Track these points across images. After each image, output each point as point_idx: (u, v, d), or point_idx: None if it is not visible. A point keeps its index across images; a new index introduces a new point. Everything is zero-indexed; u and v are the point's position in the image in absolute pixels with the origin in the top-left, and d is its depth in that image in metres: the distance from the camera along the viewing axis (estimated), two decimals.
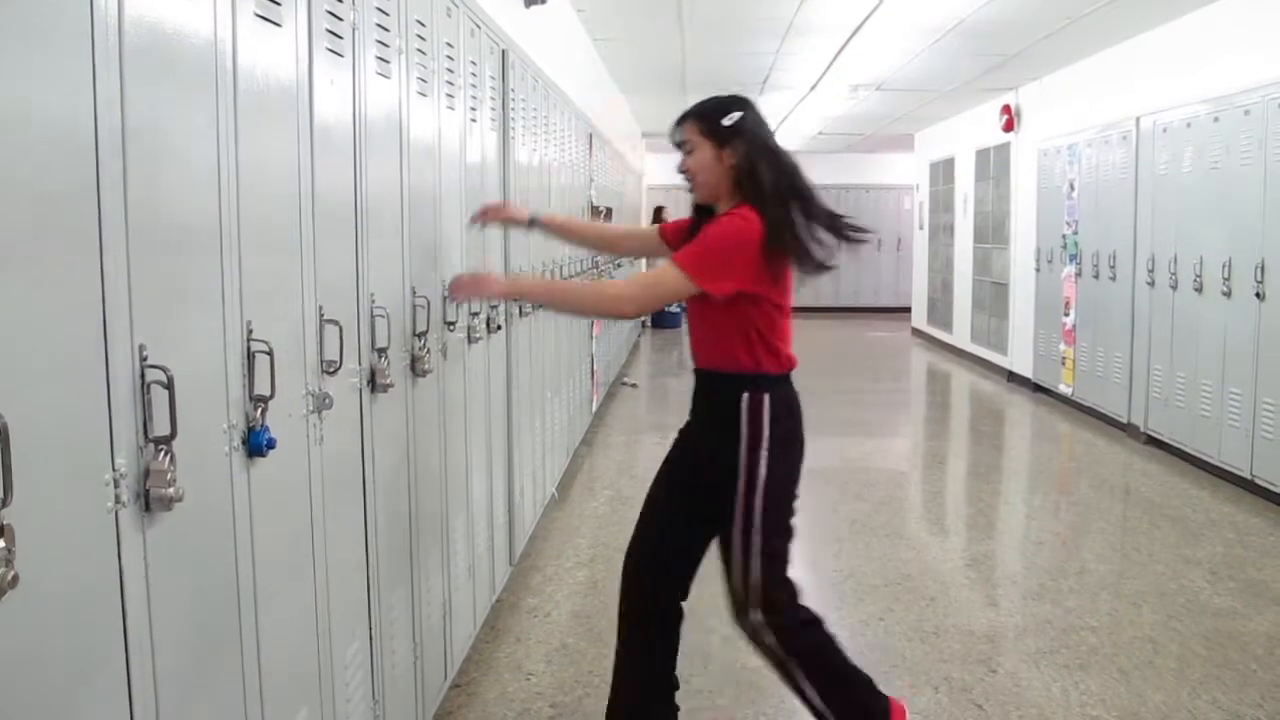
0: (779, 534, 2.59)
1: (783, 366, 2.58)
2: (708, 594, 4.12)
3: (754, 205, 2.50)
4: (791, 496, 2.63)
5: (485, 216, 3.22)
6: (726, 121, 2.55)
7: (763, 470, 2.53)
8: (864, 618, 3.91)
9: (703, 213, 2.69)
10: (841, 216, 2.60)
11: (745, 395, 2.53)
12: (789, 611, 2.61)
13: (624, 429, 7.65)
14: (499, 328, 3.73)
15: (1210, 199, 6.11)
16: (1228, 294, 5.86)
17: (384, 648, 2.45)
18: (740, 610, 2.60)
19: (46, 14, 1.19)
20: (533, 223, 3.13)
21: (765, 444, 2.53)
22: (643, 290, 2.57)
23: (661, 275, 2.52)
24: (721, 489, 2.56)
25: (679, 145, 2.63)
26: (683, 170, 2.63)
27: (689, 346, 2.72)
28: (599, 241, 3.38)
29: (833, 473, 6.37)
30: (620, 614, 2.80)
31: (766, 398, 2.54)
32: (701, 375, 2.67)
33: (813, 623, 2.64)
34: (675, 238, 2.81)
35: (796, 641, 2.59)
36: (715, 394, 2.63)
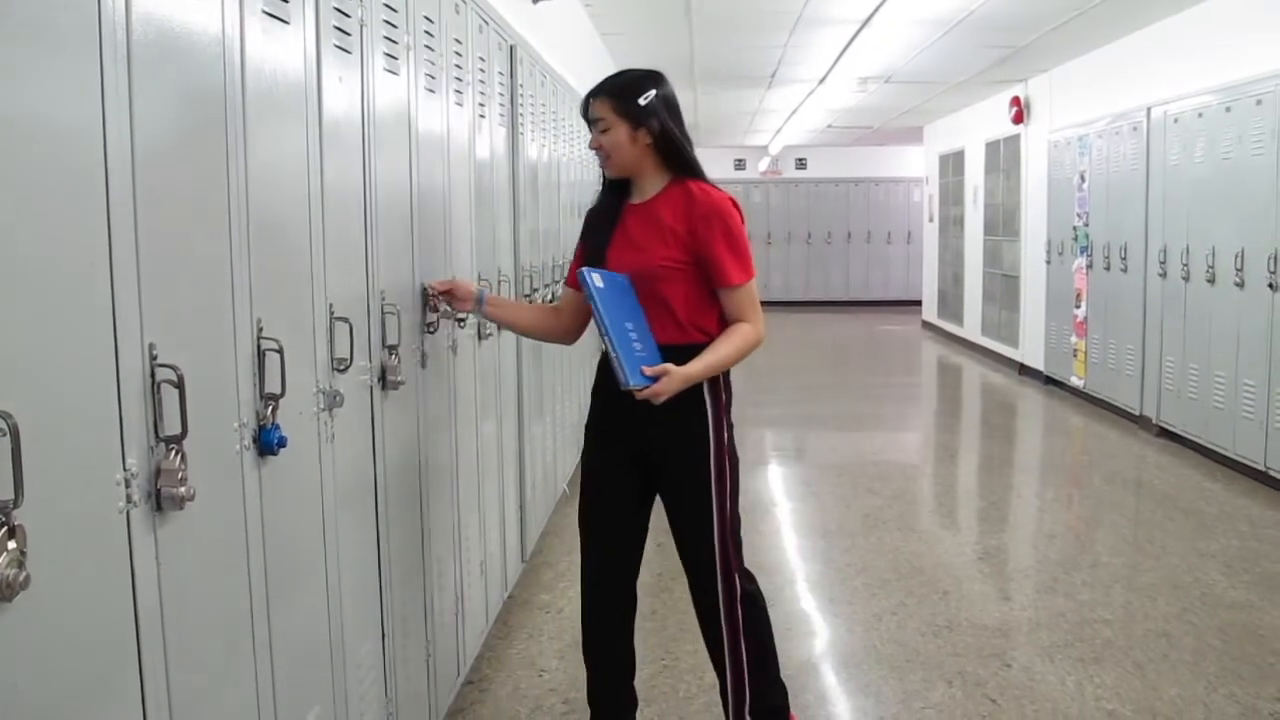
0: (737, 497, 2.64)
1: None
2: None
3: (693, 177, 2.57)
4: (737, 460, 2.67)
5: (435, 297, 2.71)
6: (641, 101, 2.52)
7: (726, 435, 2.57)
8: (877, 612, 3.90)
9: (616, 187, 2.64)
10: None
11: None
12: (751, 581, 2.69)
13: None
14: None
15: (1222, 189, 6.07)
16: (1240, 285, 5.82)
17: (397, 645, 2.45)
18: (709, 580, 2.60)
19: (51, 12, 1.19)
20: (479, 303, 2.75)
21: (725, 408, 2.57)
22: (759, 317, 2.57)
23: (751, 297, 2.55)
24: (689, 460, 2.55)
25: (592, 123, 2.57)
26: (595, 148, 2.59)
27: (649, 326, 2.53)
28: (553, 330, 2.84)
29: (845, 467, 6.36)
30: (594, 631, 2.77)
31: None
32: (667, 352, 2.48)
33: (758, 595, 2.71)
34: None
35: (748, 610, 2.63)
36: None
